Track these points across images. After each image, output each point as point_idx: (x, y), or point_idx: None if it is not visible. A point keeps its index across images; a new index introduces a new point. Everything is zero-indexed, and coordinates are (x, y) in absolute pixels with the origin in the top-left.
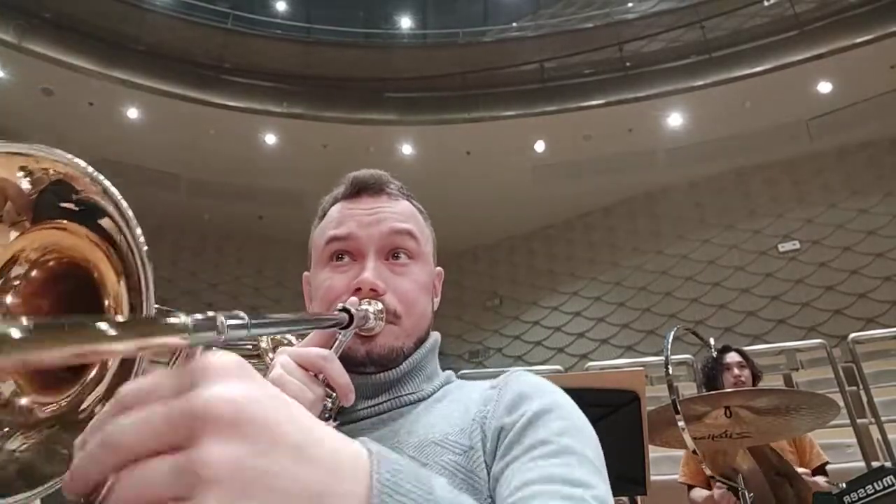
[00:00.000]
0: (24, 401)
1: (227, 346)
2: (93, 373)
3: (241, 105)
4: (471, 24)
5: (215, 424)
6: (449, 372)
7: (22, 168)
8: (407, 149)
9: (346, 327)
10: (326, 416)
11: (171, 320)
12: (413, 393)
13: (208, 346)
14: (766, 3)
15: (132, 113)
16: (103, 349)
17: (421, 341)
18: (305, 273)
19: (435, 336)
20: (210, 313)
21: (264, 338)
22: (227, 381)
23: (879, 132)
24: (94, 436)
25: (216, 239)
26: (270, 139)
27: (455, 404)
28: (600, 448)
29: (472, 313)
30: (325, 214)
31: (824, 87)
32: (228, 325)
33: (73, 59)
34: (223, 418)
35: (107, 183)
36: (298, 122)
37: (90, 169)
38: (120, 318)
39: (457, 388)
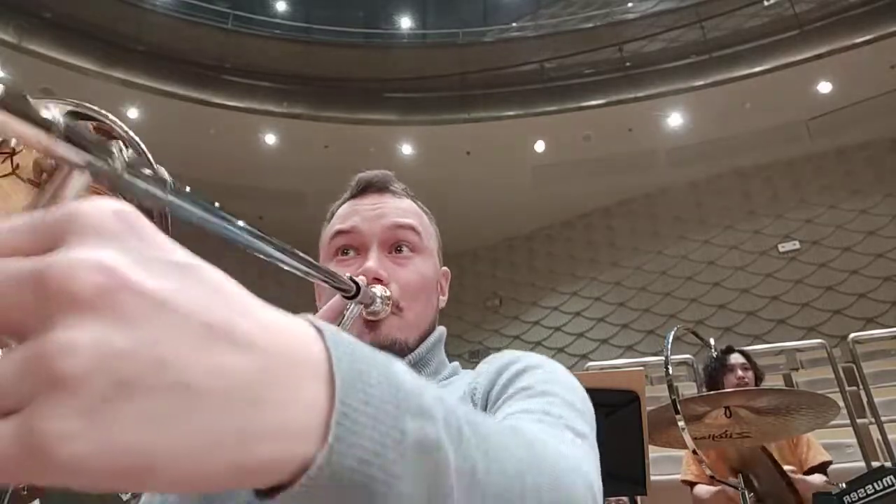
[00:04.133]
0: None
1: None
2: None
3: (241, 105)
4: (471, 24)
5: (78, 298)
6: (455, 364)
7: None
8: (407, 149)
9: (353, 297)
10: None
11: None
12: None
13: (82, 175)
14: (766, 3)
15: (132, 113)
16: None
17: (425, 335)
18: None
19: (440, 330)
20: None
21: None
22: (100, 237)
23: (879, 132)
24: None
25: (216, 240)
26: (270, 139)
27: (453, 389)
28: (588, 402)
29: (472, 313)
30: (332, 216)
31: (824, 87)
32: (133, 162)
33: (73, 59)
34: (90, 289)
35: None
36: (298, 122)
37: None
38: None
39: (458, 378)
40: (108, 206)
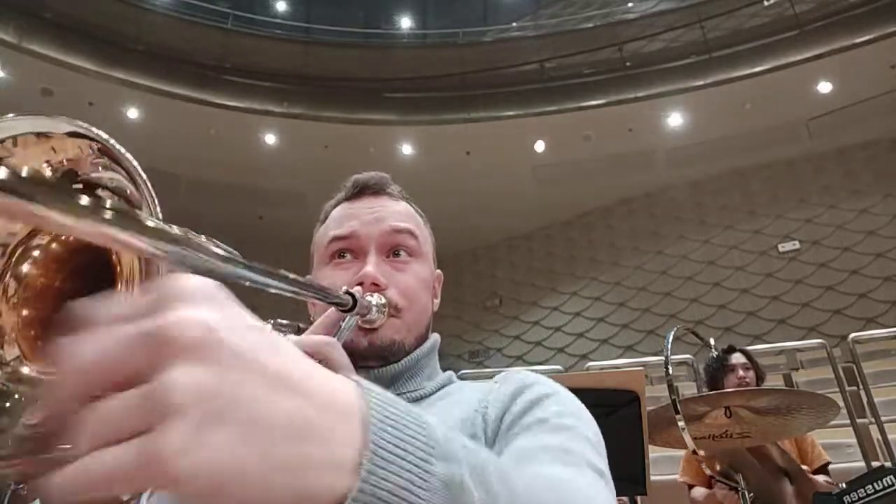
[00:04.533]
0: (26, 370)
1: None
2: None
3: (241, 105)
4: (471, 24)
5: (182, 348)
6: (449, 372)
7: (47, 160)
8: (407, 149)
9: (349, 310)
10: None
11: (149, 221)
12: (414, 391)
13: (180, 266)
14: (766, 3)
15: (132, 113)
16: (53, 215)
17: (421, 339)
18: (308, 276)
19: (435, 337)
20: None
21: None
22: (199, 303)
23: (879, 132)
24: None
25: (216, 239)
26: (270, 139)
27: (457, 402)
28: (599, 433)
29: (472, 313)
30: (326, 217)
31: (824, 87)
32: (213, 252)
33: (73, 59)
34: (191, 341)
35: (128, 161)
36: (298, 122)
37: (111, 142)
38: (91, 201)
39: (457, 389)
40: (200, 281)
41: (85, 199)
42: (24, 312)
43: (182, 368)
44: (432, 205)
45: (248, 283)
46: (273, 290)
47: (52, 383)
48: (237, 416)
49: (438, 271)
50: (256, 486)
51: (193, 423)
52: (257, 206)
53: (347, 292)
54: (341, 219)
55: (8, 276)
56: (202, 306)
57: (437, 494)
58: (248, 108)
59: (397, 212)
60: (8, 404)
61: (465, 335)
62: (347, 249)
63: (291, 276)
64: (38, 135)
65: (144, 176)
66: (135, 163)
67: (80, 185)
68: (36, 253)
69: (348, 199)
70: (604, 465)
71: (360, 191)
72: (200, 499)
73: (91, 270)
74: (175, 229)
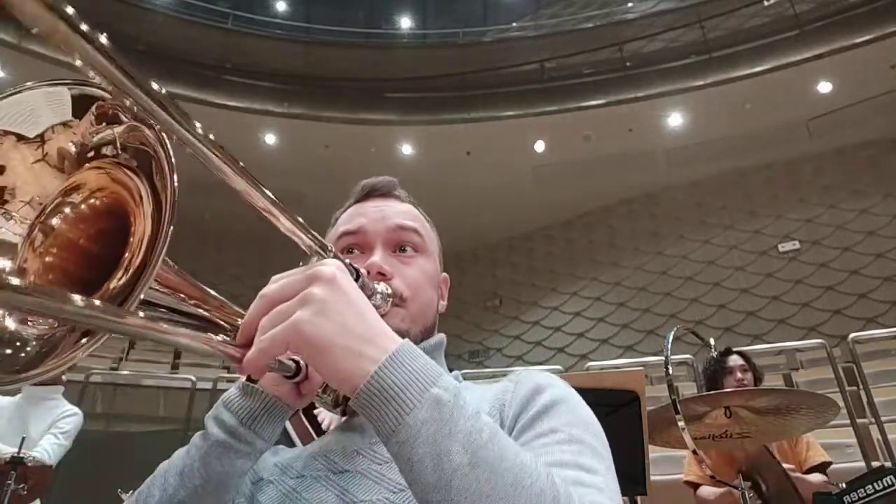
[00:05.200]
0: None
1: None
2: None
3: (241, 105)
4: (471, 24)
5: (321, 278)
6: (456, 373)
7: (99, 110)
8: (407, 149)
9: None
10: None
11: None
12: None
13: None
14: (766, 3)
15: None
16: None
17: (427, 333)
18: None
19: (441, 336)
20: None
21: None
22: (334, 265)
23: (879, 132)
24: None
25: (216, 239)
26: (270, 139)
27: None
28: (606, 441)
29: (472, 313)
30: (336, 221)
31: (824, 87)
32: (335, 253)
33: (73, 59)
34: (326, 276)
35: (170, 149)
36: (298, 122)
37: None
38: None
39: (464, 388)
40: (336, 261)
41: None
42: (47, 259)
43: (318, 287)
44: (432, 205)
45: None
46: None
47: (253, 308)
48: (337, 318)
49: (445, 274)
50: (335, 353)
51: (315, 310)
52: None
53: (351, 265)
54: (350, 217)
55: (37, 229)
56: (337, 267)
57: (426, 401)
58: (248, 108)
59: (403, 211)
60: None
61: (465, 335)
62: (355, 244)
63: (303, 223)
64: (64, 124)
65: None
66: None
67: (100, 152)
68: (66, 210)
69: (357, 201)
70: (613, 478)
71: (368, 193)
72: (308, 352)
73: (109, 234)
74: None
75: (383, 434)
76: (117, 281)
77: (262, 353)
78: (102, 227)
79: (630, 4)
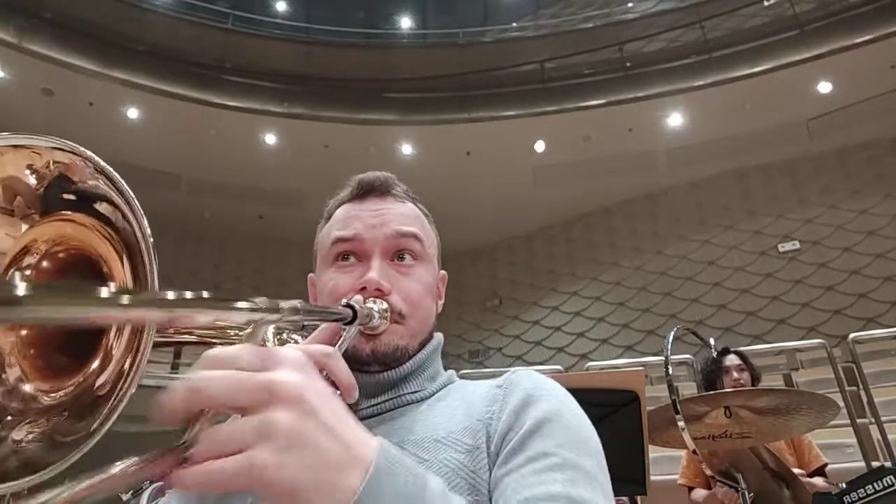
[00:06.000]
0: (28, 388)
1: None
2: (96, 363)
3: (241, 105)
4: (471, 24)
5: (284, 398)
6: (451, 372)
7: (28, 164)
8: (407, 149)
9: (350, 323)
10: None
11: (243, 304)
12: (415, 392)
13: (267, 327)
14: (766, 3)
15: (132, 113)
16: (201, 315)
17: (425, 342)
18: (311, 274)
19: (438, 337)
20: (265, 301)
21: (270, 332)
22: (294, 369)
23: (879, 132)
24: (182, 382)
25: (216, 239)
26: (271, 139)
27: (458, 403)
28: (602, 455)
29: (472, 313)
30: (330, 216)
31: (824, 87)
32: (285, 318)
33: (73, 59)
34: (290, 395)
35: (110, 171)
36: (299, 123)
37: (95, 158)
38: (206, 294)
39: (459, 387)
40: (297, 355)
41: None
42: (23, 332)
43: (281, 412)
44: (432, 205)
45: (259, 318)
46: (283, 324)
47: (179, 396)
48: (308, 450)
49: (443, 272)
50: (309, 495)
51: (282, 446)
52: (257, 206)
53: (347, 304)
54: (345, 220)
55: None
56: (299, 373)
57: None
58: (248, 108)
59: (402, 214)
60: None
61: (465, 335)
62: (351, 252)
63: (298, 305)
64: (16, 147)
65: (130, 193)
66: (117, 178)
67: (73, 196)
68: (28, 273)
69: (353, 199)
70: (608, 498)
71: (365, 192)
72: (274, 498)
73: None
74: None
75: None
76: (115, 336)
77: (204, 486)
78: (72, 279)
79: (630, 4)
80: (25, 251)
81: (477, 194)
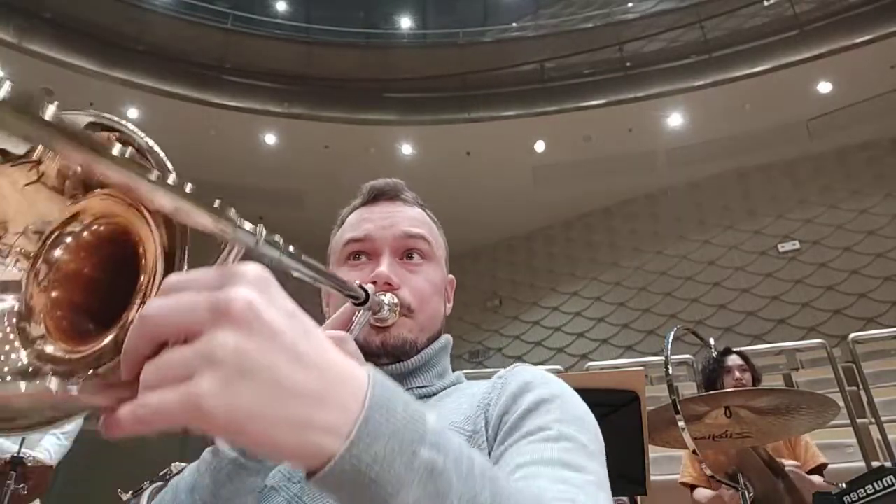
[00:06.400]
0: (50, 348)
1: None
2: (114, 334)
3: (241, 105)
4: (471, 24)
5: (230, 317)
6: (459, 373)
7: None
8: (407, 149)
9: (362, 304)
10: None
11: (220, 206)
12: (423, 387)
13: (239, 249)
14: (766, 3)
15: (132, 113)
16: (144, 188)
17: (433, 339)
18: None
19: (447, 337)
20: (252, 226)
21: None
22: (250, 286)
23: (879, 132)
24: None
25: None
26: (271, 139)
27: (464, 399)
28: (600, 436)
29: (472, 313)
30: (343, 222)
31: (824, 87)
32: (265, 239)
33: (73, 59)
34: (238, 312)
35: (166, 162)
36: (298, 123)
37: (154, 146)
38: (174, 181)
39: (466, 387)
40: (256, 269)
41: (172, 178)
42: (53, 294)
43: (227, 332)
44: (432, 205)
45: (273, 264)
46: (296, 275)
47: (131, 332)
48: (263, 377)
49: (451, 276)
50: (268, 433)
51: (225, 373)
52: (257, 206)
53: (360, 286)
54: (357, 223)
55: (40, 261)
56: (254, 288)
57: (416, 474)
58: (248, 108)
59: (411, 217)
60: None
61: (465, 335)
62: (362, 251)
63: (312, 262)
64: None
65: (171, 165)
66: (161, 153)
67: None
68: (69, 240)
69: (364, 204)
70: (603, 474)
71: (376, 196)
72: (223, 435)
73: (118, 261)
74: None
75: None
76: (138, 309)
77: (139, 423)
78: (108, 254)
79: (630, 4)
80: (71, 220)
81: (477, 194)
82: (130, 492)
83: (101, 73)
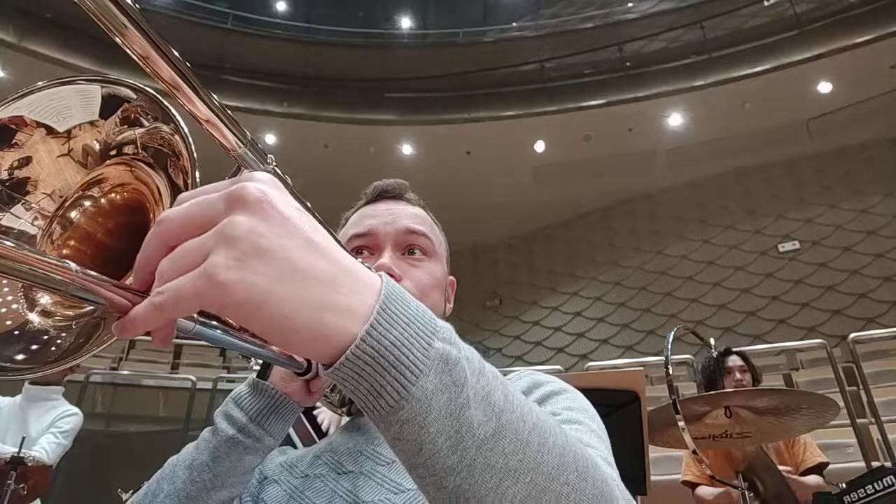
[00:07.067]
0: (54, 306)
1: None
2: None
3: (241, 105)
4: (471, 24)
5: (244, 202)
6: None
7: (124, 111)
8: (407, 149)
9: None
10: (338, 400)
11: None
12: None
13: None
14: (766, 3)
15: None
16: (188, 93)
17: None
18: None
19: None
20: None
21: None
22: (262, 181)
23: (879, 132)
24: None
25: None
26: (270, 139)
27: None
28: (604, 428)
29: (472, 313)
30: (346, 222)
31: (824, 87)
32: (275, 167)
33: (73, 59)
34: (251, 198)
35: (192, 147)
36: (298, 122)
37: (183, 126)
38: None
39: None
40: (267, 174)
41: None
42: (64, 252)
43: (241, 215)
44: (432, 205)
45: None
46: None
47: (148, 240)
48: (277, 257)
49: (452, 278)
50: (284, 312)
51: (241, 251)
52: None
53: (368, 268)
54: (360, 219)
55: (55, 222)
56: (266, 182)
57: (432, 362)
58: (248, 108)
59: (413, 214)
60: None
61: (465, 335)
62: (365, 246)
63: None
64: (91, 123)
65: (186, 130)
66: (177, 116)
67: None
68: (87, 203)
69: (368, 203)
70: (611, 456)
71: (379, 195)
72: (239, 313)
73: (129, 230)
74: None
75: (378, 412)
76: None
77: (158, 311)
78: (121, 222)
79: (630, 4)
80: (90, 186)
81: (477, 194)
82: (130, 492)
83: (101, 73)
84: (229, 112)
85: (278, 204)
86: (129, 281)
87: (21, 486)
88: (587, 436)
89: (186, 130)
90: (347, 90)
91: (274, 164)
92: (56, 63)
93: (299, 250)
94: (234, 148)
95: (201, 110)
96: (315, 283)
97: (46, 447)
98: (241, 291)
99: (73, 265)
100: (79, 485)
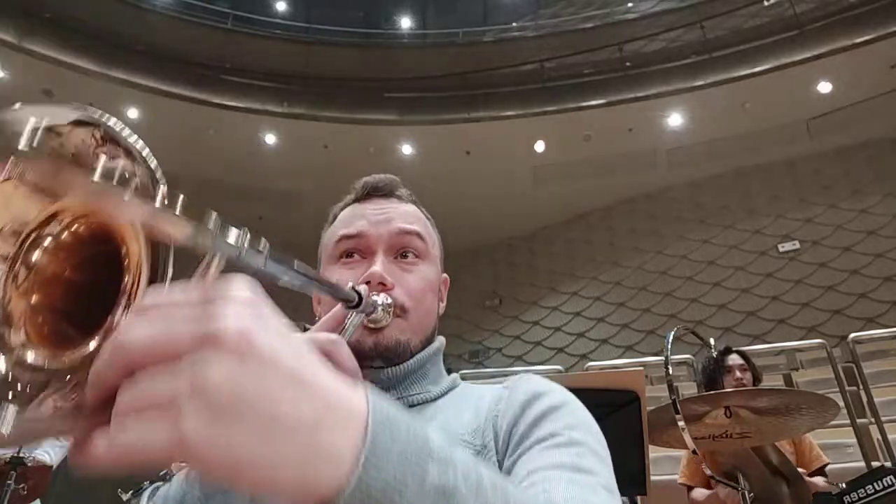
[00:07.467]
0: (31, 355)
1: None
2: (98, 338)
3: (241, 105)
4: (471, 24)
5: (219, 343)
6: (454, 375)
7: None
8: (407, 149)
9: (355, 307)
10: None
11: (198, 215)
12: (420, 394)
13: (220, 259)
14: (766, 3)
15: (132, 113)
16: (110, 202)
17: (427, 341)
18: (316, 272)
19: (440, 339)
20: (236, 233)
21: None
22: (241, 308)
23: (879, 132)
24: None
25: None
26: (270, 139)
27: (465, 404)
28: (606, 445)
29: (472, 313)
30: (335, 218)
31: (824, 87)
32: (249, 247)
33: (73, 59)
34: (228, 340)
35: (151, 161)
36: (298, 122)
37: (139, 143)
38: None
39: (465, 390)
40: (245, 287)
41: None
42: (33, 299)
43: (216, 356)
44: (432, 205)
45: (259, 274)
46: (284, 281)
47: (102, 359)
48: (255, 409)
49: (445, 275)
50: (264, 474)
51: (214, 405)
52: (257, 206)
53: (353, 288)
54: (350, 219)
55: (18, 263)
56: (244, 310)
57: (428, 496)
58: (248, 108)
59: (406, 213)
60: (17, 390)
61: (465, 335)
62: (355, 249)
63: (303, 269)
64: (49, 129)
65: (154, 163)
66: (142, 149)
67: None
68: (47, 241)
69: (357, 200)
70: (612, 480)
71: (370, 192)
72: (214, 476)
73: (100, 262)
74: (211, 221)
75: None
76: (122, 312)
77: (119, 458)
78: (89, 254)
79: (630, 4)
80: (50, 220)
81: (477, 194)
82: (130, 492)
83: (101, 73)
84: (162, 195)
85: (258, 340)
86: (93, 343)
87: (21, 486)
88: (589, 459)
89: (145, 148)
90: (347, 90)
91: (245, 245)
92: (56, 63)
93: (279, 392)
94: (190, 244)
95: (135, 215)
96: (297, 433)
97: (50, 450)
98: (215, 457)
99: (4, 430)
100: (79, 485)
